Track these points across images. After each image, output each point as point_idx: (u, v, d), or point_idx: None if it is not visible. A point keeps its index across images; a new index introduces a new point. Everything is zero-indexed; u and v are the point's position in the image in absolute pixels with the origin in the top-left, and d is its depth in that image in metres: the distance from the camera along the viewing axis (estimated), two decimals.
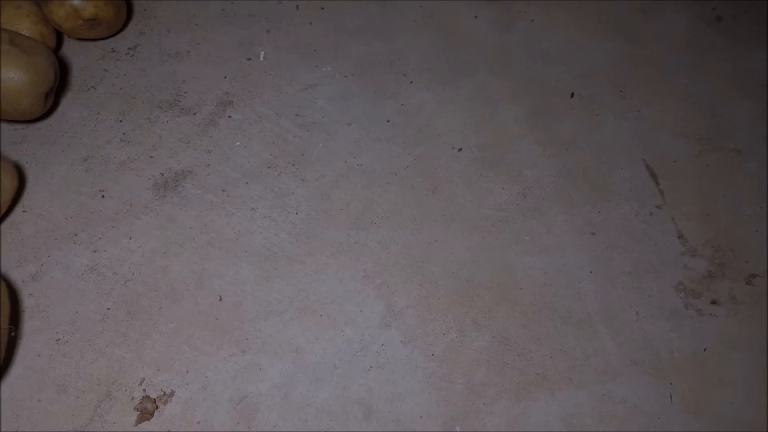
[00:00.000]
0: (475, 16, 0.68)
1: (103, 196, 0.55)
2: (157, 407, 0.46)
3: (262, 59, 0.64)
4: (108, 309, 0.50)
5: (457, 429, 0.46)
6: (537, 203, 0.56)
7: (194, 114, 0.60)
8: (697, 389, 0.48)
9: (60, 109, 0.60)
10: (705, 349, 0.49)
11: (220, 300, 0.50)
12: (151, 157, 0.58)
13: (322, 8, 0.68)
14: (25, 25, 0.59)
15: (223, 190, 0.56)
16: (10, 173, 0.52)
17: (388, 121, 0.61)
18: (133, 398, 0.46)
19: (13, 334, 0.47)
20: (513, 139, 0.60)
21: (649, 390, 0.47)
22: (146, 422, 0.45)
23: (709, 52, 0.66)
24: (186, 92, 0.62)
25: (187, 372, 0.47)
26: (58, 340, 0.48)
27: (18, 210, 0.54)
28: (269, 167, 0.57)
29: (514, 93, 0.63)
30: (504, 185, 0.57)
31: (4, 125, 0.59)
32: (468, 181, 0.57)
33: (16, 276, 0.50)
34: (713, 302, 0.51)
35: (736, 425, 0.46)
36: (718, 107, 0.62)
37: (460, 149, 0.59)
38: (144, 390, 0.47)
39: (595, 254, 0.53)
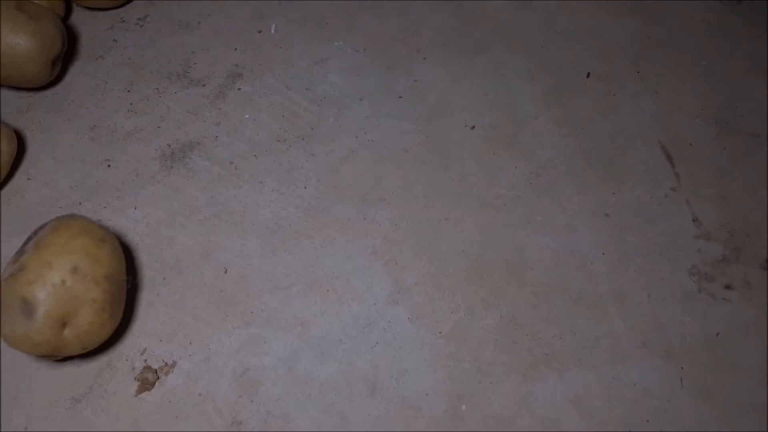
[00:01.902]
0: None
1: (109, 166, 0.55)
2: (158, 378, 0.45)
3: (273, 32, 0.63)
4: None
5: (463, 407, 0.45)
6: (550, 183, 0.55)
7: (203, 86, 0.59)
8: (708, 374, 0.47)
9: (67, 78, 0.60)
10: (717, 334, 0.48)
11: (226, 272, 0.50)
12: (159, 127, 0.57)
13: None
14: None
15: (231, 163, 0.55)
16: (7, 137, 0.51)
17: (401, 97, 0.60)
18: (134, 368, 0.46)
19: (129, 286, 0.47)
20: (527, 118, 0.59)
21: (659, 373, 0.46)
22: (147, 392, 0.45)
23: (729, 34, 0.64)
24: (195, 64, 0.61)
25: (190, 343, 0.47)
26: None
27: (22, 178, 0.53)
28: (278, 141, 0.57)
29: (529, 71, 0.61)
30: (517, 164, 0.56)
31: (11, 92, 0.58)
32: (480, 160, 0.56)
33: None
34: (727, 287, 0.50)
35: (747, 411, 0.45)
36: (737, 90, 0.61)
37: (473, 127, 0.58)
38: (145, 360, 0.46)
39: (608, 236, 0.52)
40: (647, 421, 0.45)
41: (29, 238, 0.43)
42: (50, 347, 0.40)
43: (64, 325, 0.40)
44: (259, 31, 0.63)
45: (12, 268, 0.40)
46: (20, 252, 0.42)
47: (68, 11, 0.63)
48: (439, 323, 0.48)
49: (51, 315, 0.39)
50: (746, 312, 0.49)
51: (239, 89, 0.59)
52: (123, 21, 0.64)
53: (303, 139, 0.57)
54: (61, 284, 0.39)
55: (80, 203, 0.52)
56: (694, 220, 0.53)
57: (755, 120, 0.59)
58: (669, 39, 0.64)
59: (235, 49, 0.62)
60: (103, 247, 0.42)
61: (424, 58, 0.62)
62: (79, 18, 0.64)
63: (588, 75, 0.61)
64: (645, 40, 0.64)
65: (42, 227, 0.43)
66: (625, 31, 0.64)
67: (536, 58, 0.62)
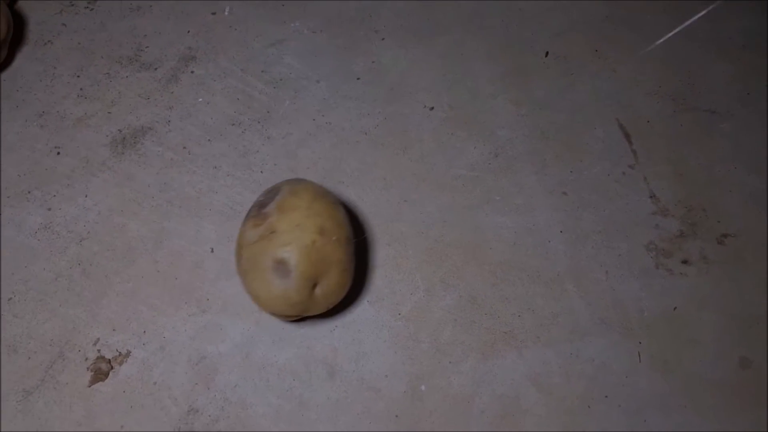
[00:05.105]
0: None
1: (58, 153, 0.53)
2: (112, 368, 0.44)
3: (227, 14, 0.62)
4: (62, 268, 0.48)
5: (423, 388, 0.45)
6: (509, 163, 0.55)
7: (155, 69, 0.58)
8: (666, 348, 0.47)
9: (15, 63, 0.58)
10: (675, 309, 0.48)
11: (180, 260, 0.49)
12: (110, 113, 0.55)
13: None
14: None
15: (184, 147, 0.54)
16: None
17: (359, 78, 0.59)
18: (87, 359, 0.44)
19: (356, 240, 0.46)
20: (486, 99, 0.58)
21: (617, 349, 0.47)
22: (100, 383, 0.44)
23: (687, 13, 0.65)
24: (147, 47, 0.59)
25: (144, 332, 0.46)
26: (10, 299, 0.46)
27: None
28: (233, 124, 0.55)
29: (488, 52, 0.61)
30: (476, 144, 0.56)
31: None
32: (439, 141, 0.56)
33: None
34: (684, 262, 0.51)
35: (705, 384, 0.46)
36: (694, 68, 0.61)
37: (432, 108, 0.57)
38: (99, 350, 0.45)
39: (566, 214, 0.52)
40: (606, 397, 0.45)
41: (262, 203, 0.42)
42: (302, 307, 0.41)
43: (314, 285, 0.41)
44: (213, 13, 0.62)
45: (258, 231, 0.40)
46: (258, 216, 0.41)
47: None
48: (398, 305, 0.48)
49: (305, 275, 0.39)
50: (703, 286, 0.50)
51: (192, 72, 0.58)
52: (72, 5, 0.62)
53: (259, 122, 0.56)
54: (312, 245, 0.39)
55: (29, 192, 0.51)
56: (651, 197, 0.54)
57: (712, 97, 0.59)
58: (627, 18, 0.64)
59: (188, 31, 0.60)
60: (339, 209, 0.42)
61: (383, 39, 0.61)
62: (28, 3, 0.61)
63: (546, 54, 0.61)
64: (603, 20, 0.64)
65: (272, 191, 0.43)
66: (583, 11, 0.64)
67: (495, 38, 0.62)
